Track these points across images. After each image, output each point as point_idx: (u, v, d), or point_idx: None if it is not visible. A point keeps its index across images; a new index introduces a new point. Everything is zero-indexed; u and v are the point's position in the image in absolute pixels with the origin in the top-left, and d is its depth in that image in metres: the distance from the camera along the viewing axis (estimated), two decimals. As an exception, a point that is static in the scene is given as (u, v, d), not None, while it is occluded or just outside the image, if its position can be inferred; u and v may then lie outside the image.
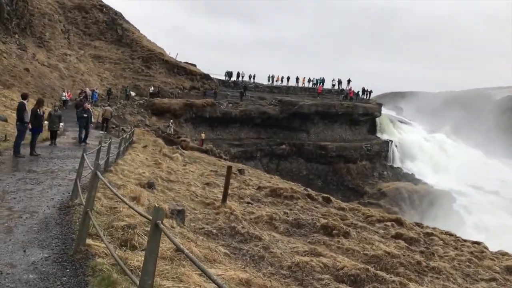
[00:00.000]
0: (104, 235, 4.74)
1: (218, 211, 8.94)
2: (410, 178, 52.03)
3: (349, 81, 65.59)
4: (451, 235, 12.24)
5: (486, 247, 11.44)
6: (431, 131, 74.82)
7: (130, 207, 4.08)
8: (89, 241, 4.91)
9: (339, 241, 8.56)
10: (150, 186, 10.02)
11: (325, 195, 13.71)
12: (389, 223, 11.39)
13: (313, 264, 6.70)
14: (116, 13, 58.95)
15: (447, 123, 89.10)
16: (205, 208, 10.07)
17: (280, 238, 8.40)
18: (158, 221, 2.98)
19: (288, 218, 9.74)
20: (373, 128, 61.79)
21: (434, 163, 63.22)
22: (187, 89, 54.05)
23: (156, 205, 7.52)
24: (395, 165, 57.27)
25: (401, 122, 70.95)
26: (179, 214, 7.38)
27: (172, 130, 40.69)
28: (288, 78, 68.42)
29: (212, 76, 61.96)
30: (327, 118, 55.05)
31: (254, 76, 68.99)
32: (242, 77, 68.28)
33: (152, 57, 53.72)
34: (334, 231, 9.01)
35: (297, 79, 67.88)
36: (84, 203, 5.16)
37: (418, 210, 44.67)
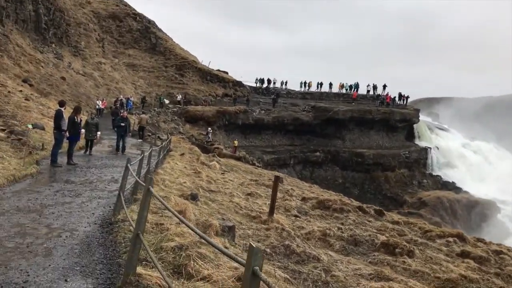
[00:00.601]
0: (157, 262, 4.03)
1: (269, 227, 8.16)
2: (450, 186, 49.98)
3: (384, 86, 64.09)
4: (519, 252, 11.11)
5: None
6: (471, 138, 72.12)
7: (197, 233, 3.35)
8: (139, 269, 4.21)
9: (404, 261, 7.64)
10: (193, 197, 9.35)
11: (377, 207, 12.77)
12: (451, 239, 10.36)
13: (386, 291, 5.82)
14: (150, 21, 59.41)
15: (487, 130, 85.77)
16: (252, 221, 9.31)
17: (338, 257, 7.54)
18: (256, 268, 2.21)
19: (343, 234, 8.88)
20: (410, 135, 59.95)
21: (475, 171, 60.76)
22: (220, 96, 53.76)
23: (205, 220, 6.81)
24: (434, 173, 55.24)
25: (439, 128, 68.70)
26: (230, 231, 6.65)
27: (210, 137, 40.45)
28: (321, 84, 67.41)
29: (244, 83, 61.61)
30: (363, 125, 53.65)
31: (286, 82, 68.37)
32: (274, 83, 67.72)
33: (185, 65, 53.73)
34: (396, 250, 8.09)
35: (331, 85, 66.79)
36: (132, 223, 4.49)
37: (460, 220, 42.73)
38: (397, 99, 60.00)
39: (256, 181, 15.92)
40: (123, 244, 5.34)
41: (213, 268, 4.59)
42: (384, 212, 12.53)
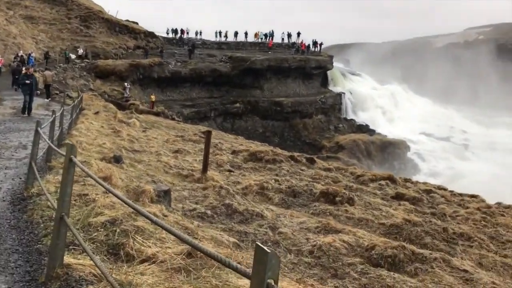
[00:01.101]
0: (87, 247, 3.27)
1: (205, 186, 7.57)
2: (364, 129, 52.29)
3: (299, 34, 64.19)
4: (445, 189, 11.59)
5: (484, 200, 10.87)
6: (381, 82, 75.43)
7: (132, 207, 2.66)
8: (67, 257, 3.42)
9: (346, 210, 7.48)
10: (117, 160, 8.45)
11: (309, 156, 12.62)
12: (383, 182, 10.49)
13: (337, 246, 5.55)
14: (46, -32, 53.67)
15: (395, 73, 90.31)
16: (185, 181, 8.66)
17: (280, 211, 7.19)
18: (270, 282, 1.43)
19: (280, 186, 8.54)
20: (325, 81, 61.23)
21: (386, 113, 64.06)
22: (131, 48, 50.81)
23: (137, 186, 6.06)
24: (348, 117, 57.33)
25: (351, 74, 70.85)
26: (165, 196, 5.97)
27: (128, 93, 38.30)
28: (237, 33, 66.05)
29: (156, 34, 58.62)
30: (280, 73, 53.72)
31: (200, 32, 66.07)
32: (188, 33, 65.27)
33: (90, 15, 49.73)
34: (336, 198, 7.91)
35: (246, 34, 65.68)
36: (51, 199, 3.66)
37: (375, 160, 45.10)
38: (311, 46, 60.54)
39: (182, 137, 15.11)
40: (42, 225, 4.47)
41: (157, 245, 3.93)
42: (315, 159, 12.43)
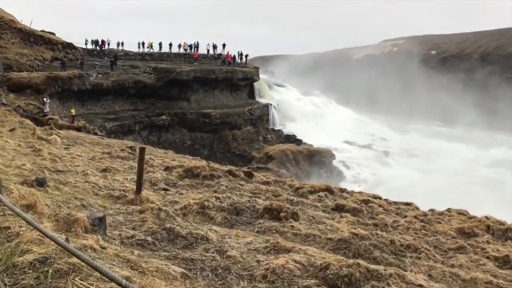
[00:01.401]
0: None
1: (142, 208, 6.98)
2: (292, 139, 53.25)
3: (224, 45, 64.37)
4: (380, 198, 11.78)
5: (418, 207, 11.16)
6: (305, 93, 77.55)
7: (65, 248, 2.18)
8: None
9: (292, 226, 7.24)
10: (40, 183, 7.61)
11: (247, 170, 12.32)
12: (321, 194, 10.43)
13: (291, 267, 5.26)
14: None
15: (317, 84, 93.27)
16: (117, 203, 7.99)
17: (225, 232, 6.79)
18: None
19: (222, 204, 8.13)
20: (252, 93, 61.76)
21: (311, 123, 65.83)
22: (48, 60, 47.99)
23: (68, 214, 5.40)
24: (276, 128, 58.16)
25: (277, 85, 72.20)
26: (101, 224, 5.36)
27: (48, 108, 36.02)
28: (161, 44, 64.91)
29: (76, 45, 55.94)
30: (207, 85, 53.36)
31: (122, 43, 64.13)
32: (108, 44, 63.09)
33: (1, 25, 46.38)
34: (281, 214, 7.65)
35: (170, 45, 64.67)
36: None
37: (303, 169, 45.93)
38: (237, 58, 60.86)
39: (109, 153, 14.18)
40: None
41: (99, 286, 3.40)
42: (254, 173, 12.16)
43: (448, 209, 11.05)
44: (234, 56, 59.39)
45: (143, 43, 63.56)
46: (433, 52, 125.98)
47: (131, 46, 64.90)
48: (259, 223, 7.48)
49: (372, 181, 46.86)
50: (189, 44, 64.70)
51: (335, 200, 10.17)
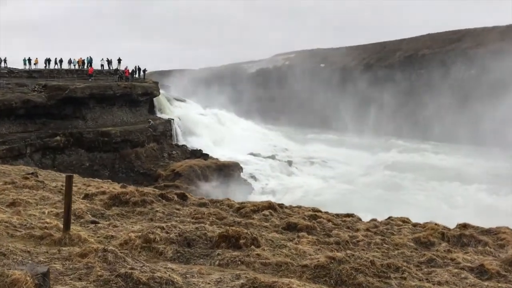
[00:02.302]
0: None
1: (83, 251, 5.73)
2: (198, 154, 52.16)
3: (119, 60, 61.53)
4: (319, 211, 11.41)
5: (360, 219, 10.95)
6: (205, 107, 77.04)
7: None
8: None
9: (258, 255, 6.46)
10: None
11: (179, 192, 11.19)
12: (266, 212, 9.76)
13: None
14: None
15: (215, 98, 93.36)
16: (42, 245, 6.62)
17: (184, 269, 5.83)
18: None
19: (169, 235, 7.11)
20: (152, 108, 59.74)
21: (215, 137, 65.38)
22: None
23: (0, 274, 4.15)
24: (180, 143, 56.71)
25: (177, 100, 70.80)
26: (45, 280, 4.17)
27: None
28: (49, 60, 60.37)
29: None
30: (104, 102, 50.43)
31: (5, 60, 58.44)
32: (-12, 61, 57.18)
33: None
34: (240, 241, 6.85)
35: (61, 61, 60.42)
36: None
37: (212, 184, 45.06)
38: (136, 73, 58.60)
39: (13, 183, 12.18)
40: None
41: None
42: (187, 194, 11.12)
43: (390, 217, 11.02)
44: (133, 71, 57.02)
45: (29, 60, 58.54)
46: (322, 65, 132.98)
47: (15, 63, 59.50)
48: (218, 254, 6.59)
49: (280, 191, 47.45)
50: (79, 59, 61.05)
51: (282, 218, 9.58)
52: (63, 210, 8.92)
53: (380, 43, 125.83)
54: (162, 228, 7.41)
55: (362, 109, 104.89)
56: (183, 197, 10.76)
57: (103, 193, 10.64)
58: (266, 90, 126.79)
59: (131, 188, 10.33)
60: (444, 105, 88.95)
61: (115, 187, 13.91)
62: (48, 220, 7.99)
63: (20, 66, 58.73)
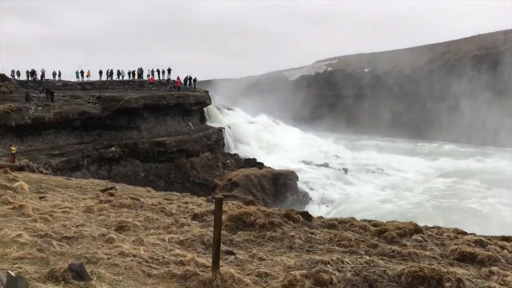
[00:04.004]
0: None
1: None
2: (252, 163, 50.84)
3: (169, 70, 61.42)
4: (464, 232, 9.66)
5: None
6: (252, 115, 76.05)
7: None
8: None
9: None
10: (79, 274, 4.70)
11: (301, 211, 9.71)
12: (418, 237, 8.07)
13: None
14: None
15: (259, 106, 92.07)
16: (192, 288, 5.22)
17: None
18: None
19: (345, 275, 5.57)
20: (202, 117, 59.11)
21: (264, 145, 64.14)
22: (-22, 94, 42.74)
23: None
24: (232, 152, 55.71)
25: (226, 108, 70.10)
26: None
27: None
28: (101, 72, 60.89)
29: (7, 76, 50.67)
30: (158, 112, 50.04)
31: (59, 73, 59.28)
32: (43, 74, 58.06)
33: None
34: (446, 284, 5.23)
35: (111, 72, 60.80)
36: None
37: (269, 194, 43.65)
38: (187, 83, 58.32)
39: (102, 201, 11.04)
40: None
41: None
42: (311, 214, 9.62)
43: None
44: (185, 80, 56.60)
45: (82, 72, 59.11)
46: (366, 69, 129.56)
47: (67, 76, 60.34)
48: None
49: (340, 201, 45.42)
50: (132, 70, 61.35)
51: (438, 244, 7.92)
52: (185, 237, 7.57)
53: (427, 45, 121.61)
54: (327, 263, 5.88)
55: (410, 114, 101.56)
56: (307, 217, 9.25)
57: (212, 212, 9.27)
58: (309, 97, 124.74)
59: (253, 207, 8.92)
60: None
61: (202, 202, 12.61)
62: (178, 251, 6.62)
63: (72, 78, 59.47)
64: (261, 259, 6.45)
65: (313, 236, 7.90)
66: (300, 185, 48.57)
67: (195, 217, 9.49)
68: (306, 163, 59.61)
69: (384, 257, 6.71)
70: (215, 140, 51.82)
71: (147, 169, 46.31)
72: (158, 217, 9.37)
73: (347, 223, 9.17)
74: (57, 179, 17.74)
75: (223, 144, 54.01)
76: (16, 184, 12.85)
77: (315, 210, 41.60)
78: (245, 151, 58.37)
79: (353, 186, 51.98)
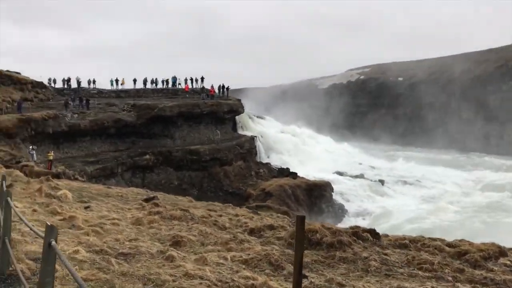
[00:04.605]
0: None
1: None
2: (286, 172, 49.95)
3: (202, 78, 61.52)
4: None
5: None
6: (284, 123, 75.24)
7: None
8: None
9: None
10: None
11: (367, 228, 8.95)
12: (506, 261, 7.22)
13: None
14: None
15: (290, 114, 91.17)
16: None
17: None
18: None
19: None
20: (234, 126, 58.77)
21: (296, 154, 63.10)
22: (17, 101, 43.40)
23: None
24: (264, 161, 55.01)
25: (257, 117, 69.56)
26: None
27: (35, 156, 32.13)
28: (135, 81, 61.47)
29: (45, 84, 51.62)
30: (192, 120, 49.91)
31: (94, 81, 60.10)
32: (79, 82, 58.95)
33: (-38, 64, 41.74)
34: None
35: (145, 81, 61.25)
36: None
37: (303, 205, 42.70)
38: (220, 91, 58.21)
39: (151, 213, 10.53)
40: None
41: None
42: (378, 232, 8.83)
43: None
44: (220, 87, 56.42)
45: (116, 80, 59.78)
46: (400, 78, 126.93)
47: (101, 84, 61.14)
48: None
49: (377, 214, 43.98)
50: (166, 79, 61.74)
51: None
52: (247, 255, 6.92)
53: (466, 53, 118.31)
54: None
55: (446, 124, 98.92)
56: (375, 235, 8.48)
57: (271, 227, 8.63)
58: (341, 105, 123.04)
59: (317, 224, 8.19)
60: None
61: (252, 215, 11.94)
62: (246, 273, 5.98)
63: (106, 86, 60.16)
64: (340, 284, 5.74)
65: (388, 257, 7.13)
66: (335, 196, 47.40)
67: (251, 232, 8.85)
68: (340, 173, 58.29)
69: (477, 285, 5.89)
70: (248, 148, 51.28)
71: (180, 177, 46.10)
72: (211, 231, 8.77)
73: (417, 243, 8.34)
74: (97, 187, 17.44)
75: (256, 153, 53.42)
76: (60, 192, 12.51)
77: (352, 223, 40.42)
78: (276, 160, 57.59)
79: (391, 198, 50.40)
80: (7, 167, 28.99)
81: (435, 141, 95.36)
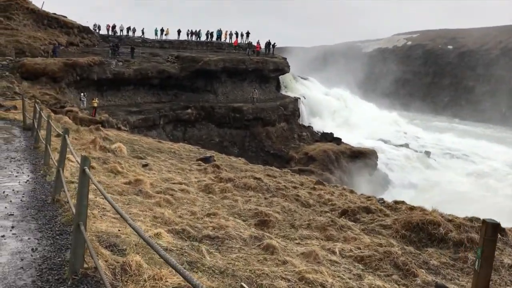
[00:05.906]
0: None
1: None
2: (329, 137, 48.08)
3: (248, 34, 59.20)
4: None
5: None
6: (328, 86, 72.48)
7: None
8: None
9: None
10: None
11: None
12: None
13: None
14: None
15: (331, 77, 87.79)
16: None
17: None
18: None
19: None
20: (278, 85, 56.79)
21: (339, 119, 60.89)
22: (64, 45, 42.83)
23: None
24: (306, 124, 53.17)
25: (301, 77, 67.08)
26: None
27: (85, 104, 31.71)
28: (179, 32, 59.80)
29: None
30: (236, 76, 48.29)
31: (134, 29, 58.83)
32: (122, 31, 57.90)
33: (11, 5, 41.02)
34: None
35: (192, 32, 59.53)
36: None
37: (347, 172, 41.11)
38: (266, 48, 55.97)
39: (222, 180, 9.26)
40: None
41: None
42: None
43: None
44: (268, 44, 54.11)
45: (161, 30, 58.31)
46: (450, 46, 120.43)
47: (146, 34, 59.80)
48: None
49: (423, 187, 42.05)
50: (210, 31, 59.79)
51: None
52: (358, 249, 5.50)
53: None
54: None
55: (495, 98, 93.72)
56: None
57: (367, 210, 7.22)
58: (385, 71, 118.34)
59: (435, 214, 6.71)
60: None
61: (333, 190, 10.49)
62: (372, 279, 4.58)
63: (149, 36, 58.83)
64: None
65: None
66: (379, 165, 45.53)
67: (344, 214, 7.47)
68: (385, 141, 56.04)
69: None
70: (292, 110, 49.47)
71: (221, 135, 45.06)
72: (295, 209, 7.44)
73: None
74: (147, 140, 16.38)
75: (299, 115, 51.60)
76: (114, 145, 11.38)
77: (397, 195, 38.61)
78: (317, 125, 55.62)
79: (436, 171, 48.16)
80: (54, 111, 28.51)
81: (482, 114, 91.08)
